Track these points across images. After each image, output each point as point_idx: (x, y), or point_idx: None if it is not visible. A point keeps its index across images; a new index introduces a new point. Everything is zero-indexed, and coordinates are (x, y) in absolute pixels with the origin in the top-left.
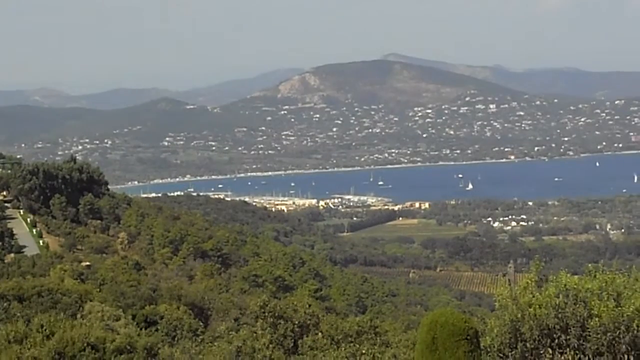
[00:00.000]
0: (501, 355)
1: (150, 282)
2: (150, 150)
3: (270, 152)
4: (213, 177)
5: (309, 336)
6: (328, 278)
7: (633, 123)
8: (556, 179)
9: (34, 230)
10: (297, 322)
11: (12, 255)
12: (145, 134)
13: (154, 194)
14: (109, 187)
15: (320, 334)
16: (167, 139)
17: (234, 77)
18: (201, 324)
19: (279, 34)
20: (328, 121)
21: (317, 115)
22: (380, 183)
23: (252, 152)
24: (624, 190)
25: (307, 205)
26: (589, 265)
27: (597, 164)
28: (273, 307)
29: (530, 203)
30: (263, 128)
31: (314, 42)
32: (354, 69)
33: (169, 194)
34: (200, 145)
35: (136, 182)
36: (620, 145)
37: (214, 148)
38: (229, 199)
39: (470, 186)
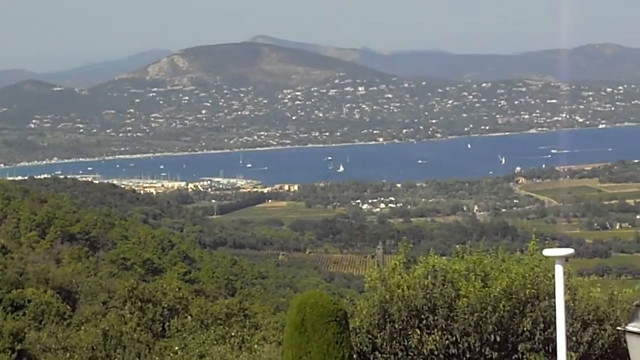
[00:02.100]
0: (370, 336)
1: (17, 266)
2: (16, 133)
3: (138, 134)
4: (81, 159)
5: (178, 319)
6: (197, 261)
7: (499, 105)
8: (420, 162)
9: None
10: (166, 306)
11: None
12: (10, 116)
13: (20, 177)
14: None
15: (189, 317)
16: (34, 121)
17: (102, 59)
18: (69, 307)
19: (146, 16)
20: (197, 103)
21: (186, 98)
22: (249, 165)
23: (121, 135)
24: (491, 172)
25: (176, 187)
26: (457, 246)
27: (469, 146)
28: (141, 291)
29: (399, 185)
30: (131, 110)
31: (183, 24)
32: (223, 51)
33: (35, 176)
34: (68, 127)
35: (1, 165)
36: (487, 127)
37: (81, 130)
38: (97, 181)
39: (342, 168)
